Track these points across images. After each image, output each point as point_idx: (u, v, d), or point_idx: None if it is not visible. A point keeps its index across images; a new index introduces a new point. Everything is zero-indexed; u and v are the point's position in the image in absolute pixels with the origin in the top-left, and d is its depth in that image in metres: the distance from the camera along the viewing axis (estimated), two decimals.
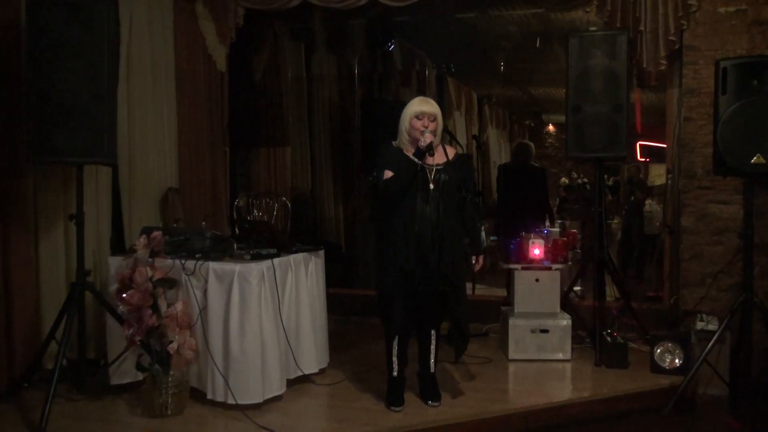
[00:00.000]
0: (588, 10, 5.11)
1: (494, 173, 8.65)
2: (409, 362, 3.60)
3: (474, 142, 6.52)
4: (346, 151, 7.33)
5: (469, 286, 5.26)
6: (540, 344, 4.31)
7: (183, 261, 3.49)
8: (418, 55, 8.27)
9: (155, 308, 3.33)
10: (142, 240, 3.44)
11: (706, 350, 3.77)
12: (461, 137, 9.88)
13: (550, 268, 4.42)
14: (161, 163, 4.66)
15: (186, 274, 3.49)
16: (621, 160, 4.87)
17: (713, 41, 4.40)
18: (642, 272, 7.89)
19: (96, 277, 3.86)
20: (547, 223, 4.88)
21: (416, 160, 3.38)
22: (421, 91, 8.00)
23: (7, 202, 3.66)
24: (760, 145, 3.62)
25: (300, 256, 3.83)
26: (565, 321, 4.33)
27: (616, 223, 9.31)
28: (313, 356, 3.85)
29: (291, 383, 3.69)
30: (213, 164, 5.26)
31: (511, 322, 4.35)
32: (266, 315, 3.45)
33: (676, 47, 4.48)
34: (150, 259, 3.42)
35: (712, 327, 3.99)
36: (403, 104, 3.53)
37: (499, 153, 12.74)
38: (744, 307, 3.79)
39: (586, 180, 11.03)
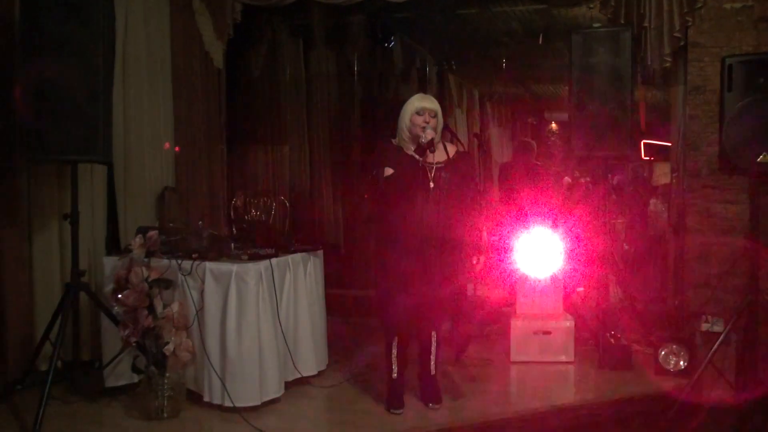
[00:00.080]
0: (591, 6, 5.08)
1: (495, 171, 8.61)
2: (409, 364, 3.55)
3: (475, 140, 6.47)
4: (346, 150, 7.28)
5: (469, 286, 5.21)
6: (542, 346, 4.26)
7: (179, 261, 3.46)
8: (419, 52, 8.22)
9: (151, 309, 3.32)
10: (138, 240, 3.43)
11: (712, 352, 3.73)
12: (462, 135, 9.83)
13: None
14: (157, 162, 4.61)
15: (182, 275, 3.46)
16: (625, 158, 4.82)
17: (719, 38, 4.33)
18: (646, 273, 7.83)
19: (91, 278, 3.86)
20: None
21: (417, 157, 3.33)
22: (422, 89, 7.94)
23: (0, 201, 3.62)
24: (766, 144, 3.58)
25: (298, 256, 3.80)
26: (568, 322, 4.28)
27: (620, 222, 9.26)
28: (311, 358, 3.82)
29: (289, 385, 3.67)
30: (210, 163, 5.21)
31: (513, 323, 4.30)
32: (264, 316, 3.42)
33: (681, 44, 4.42)
34: (146, 259, 3.41)
35: (717, 328, 3.95)
36: (403, 102, 3.48)
37: (501, 151, 12.69)
38: (750, 308, 3.74)
39: (588, 179, 10.97)
